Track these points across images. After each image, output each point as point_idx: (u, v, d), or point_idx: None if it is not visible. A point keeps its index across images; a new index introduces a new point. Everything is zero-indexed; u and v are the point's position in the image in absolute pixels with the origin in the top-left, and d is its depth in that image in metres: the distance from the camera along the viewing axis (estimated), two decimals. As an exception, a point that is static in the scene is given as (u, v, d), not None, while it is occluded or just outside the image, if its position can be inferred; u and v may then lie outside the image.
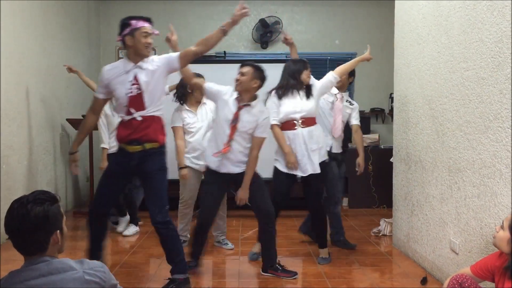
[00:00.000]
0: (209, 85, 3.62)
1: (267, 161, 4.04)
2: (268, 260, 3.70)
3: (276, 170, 3.95)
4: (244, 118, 3.48)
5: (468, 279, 2.49)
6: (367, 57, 4.20)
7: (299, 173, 3.87)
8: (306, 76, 3.91)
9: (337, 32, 7.77)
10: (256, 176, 3.61)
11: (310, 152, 3.84)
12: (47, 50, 5.62)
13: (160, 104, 3.29)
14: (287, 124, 3.89)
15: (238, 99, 3.51)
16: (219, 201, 3.69)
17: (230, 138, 3.47)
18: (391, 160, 4.70)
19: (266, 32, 7.56)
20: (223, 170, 3.55)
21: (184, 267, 3.38)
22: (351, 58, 7.70)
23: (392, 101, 6.34)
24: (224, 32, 3.21)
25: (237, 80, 3.49)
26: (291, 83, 3.86)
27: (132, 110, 3.19)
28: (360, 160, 4.45)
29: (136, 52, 3.21)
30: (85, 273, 1.71)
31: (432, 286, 3.51)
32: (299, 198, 4.22)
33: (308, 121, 3.88)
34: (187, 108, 4.38)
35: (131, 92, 3.17)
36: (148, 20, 3.24)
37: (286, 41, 4.28)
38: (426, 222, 3.81)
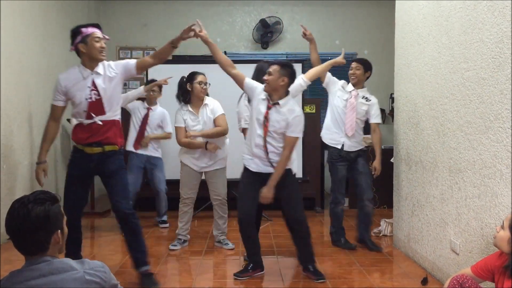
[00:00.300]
0: (248, 80, 3.62)
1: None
2: (301, 262, 3.73)
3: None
4: (273, 117, 3.45)
5: (469, 280, 2.49)
6: (340, 61, 4.17)
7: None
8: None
9: (338, 32, 7.78)
10: (291, 182, 3.57)
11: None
12: (47, 50, 5.62)
13: (118, 109, 3.45)
14: None
15: (267, 99, 3.49)
16: (257, 197, 3.58)
17: (265, 139, 3.47)
18: (391, 160, 4.69)
19: (266, 32, 7.56)
20: (256, 169, 3.54)
21: (146, 257, 3.49)
22: (352, 59, 7.74)
23: (392, 101, 6.35)
24: (173, 47, 3.47)
25: (265, 80, 3.47)
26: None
27: (93, 115, 3.30)
28: (376, 163, 4.38)
29: (91, 58, 3.32)
30: (86, 273, 1.70)
31: (433, 286, 3.51)
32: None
33: None
34: (190, 109, 4.34)
35: (91, 97, 3.30)
36: (97, 26, 3.36)
37: (305, 37, 4.30)
38: (427, 222, 3.81)
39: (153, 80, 5.14)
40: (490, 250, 2.83)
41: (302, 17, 7.78)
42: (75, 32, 3.29)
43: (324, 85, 4.51)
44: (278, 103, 3.46)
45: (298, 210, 3.58)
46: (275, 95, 3.48)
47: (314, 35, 7.61)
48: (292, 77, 3.49)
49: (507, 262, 2.38)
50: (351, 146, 4.39)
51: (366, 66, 4.43)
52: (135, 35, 7.65)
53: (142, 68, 3.51)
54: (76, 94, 3.30)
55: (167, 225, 5.31)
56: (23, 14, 5.02)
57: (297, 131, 3.48)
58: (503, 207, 2.75)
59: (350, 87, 4.44)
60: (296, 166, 3.91)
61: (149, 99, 5.11)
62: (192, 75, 4.33)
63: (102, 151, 3.36)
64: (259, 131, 3.48)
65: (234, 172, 5.51)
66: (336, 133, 4.40)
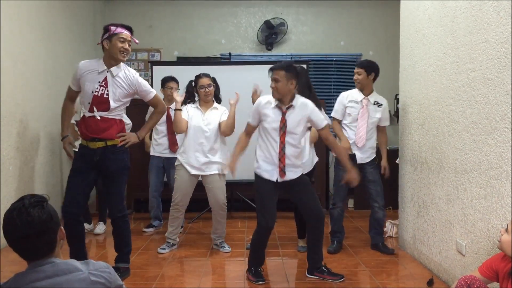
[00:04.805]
0: (250, 121, 3.62)
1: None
2: (314, 262, 3.69)
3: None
4: (290, 119, 3.45)
5: (477, 281, 2.48)
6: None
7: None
8: None
9: (342, 33, 7.77)
10: (305, 182, 3.56)
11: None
12: (53, 52, 5.65)
13: (122, 111, 3.59)
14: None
15: (279, 106, 3.47)
16: (275, 207, 3.60)
17: (282, 145, 3.45)
18: (396, 161, 4.68)
19: (271, 33, 7.57)
20: (279, 180, 3.50)
21: (128, 258, 3.76)
22: (356, 60, 7.79)
23: (397, 102, 6.33)
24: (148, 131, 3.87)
25: (273, 88, 3.44)
26: None
27: (95, 108, 3.41)
28: (383, 162, 4.35)
29: (110, 56, 3.43)
30: (91, 274, 1.71)
31: (439, 287, 3.50)
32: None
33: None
34: (198, 106, 4.30)
35: (97, 92, 3.40)
36: (128, 28, 3.47)
37: None
38: (433, 223, 3.79)
39: (171, 78, 5.10)
40: (496, 251, 2.81)
41: (306, 18, 7.78)
42: (105, 29, 3.44)
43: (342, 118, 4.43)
44: (291, 106, 3.46)
45: (318, 207, 3.58)
46: (285, 99, 3.46)
47: (319, 36, 7.76)
48: (298, 76, 3.47)
49: (510, 268, 2.38)
50: (363, 158, 4.30)
51: (368, 68, 4.28)
52: (140, 36, 7.60)
53: (151, 105, 3.77)
54: (86, 83, 3.43)
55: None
56: (29, 16, 5.04)
57: (322, 119, 3.51)
58: (509, 208, 2.73)
59: (360, 95, 4.33)
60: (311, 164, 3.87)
61: (166, 98, 5.01)
62: (196, 80, 4.30)
63: (104, 146, 3.47)
64: (277, 138, 3.46)
65: (230, 174, 5.48)
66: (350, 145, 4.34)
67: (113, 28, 3.39)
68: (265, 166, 3.53)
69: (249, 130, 3.66)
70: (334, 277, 3.61)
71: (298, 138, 3.49)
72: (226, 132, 4.25)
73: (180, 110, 4.19)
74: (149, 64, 6.20)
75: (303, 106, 3.48)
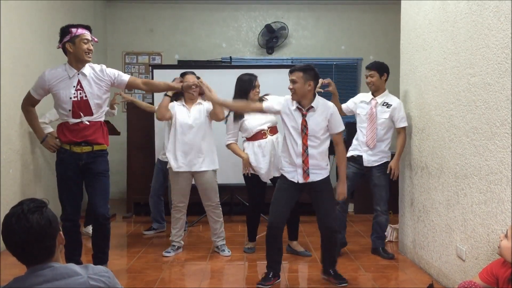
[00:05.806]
0: (267, 104, 3.61)
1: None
2: (326, 265, 3.70)
3: (245, 176, 4.35)
4: (311, 121, 3.45)
5: (477, 286, 2.48)
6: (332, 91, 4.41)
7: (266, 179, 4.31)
8: (253, 94, 4.17)
9: (343, 37, 7.78)
10: (328, 190, 3.55)
11: (278, 157, 4.04)
12: (54, 54, 5.63)
13: (103, 111, 3.54)
14: (258, 135, 4.26)
15: (299, 108, 3.47)
16: (290, 206, 3.59)
17: (305, 147, 3.45)
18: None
19: (272, 37, 7.58)
20: (302, 180, 3.49)
21: (107, 257, 3.65)
22: (357, 64, 7.78)
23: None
24: (168, 89, 3.93)
25: (291, 89, 3.45)
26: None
27: (81, 114, 3.38)
28: (392, 163, 4.23)
29: (77, 59, 3.39)
30: (90, 278, 1.70)
31: (439, 293, 3.49)
32: (306, 204, 4.21)
33: (274, 130, 4.35)
34: (184, 104, 4.28)
35: (76, 97, 3.37)
36: (87, 28, 3.42)
37: (328, 89, 4.37)
38: (433, 228, 3.79)
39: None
40: (496, 256, 2.81)
41: (307, 22, 7.79)
42: (65, 31, 3.37)
43: (349, 114, 4.54)
44: (312, 107, 3.46)
45: (330, 218, 3.56)
46: (304, 101, 3.46)
47: (320, 40, 7.77)
48: (316, 78, 3.47)
49: (510, 274, 2.38)
50: (370, 161, 4.26)
51: (381, 70, 4.30)
52: (141, 40, 7.69)
53: (131, 88, 3.70)
54: (60, 92, 3.38)
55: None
56: (29, 18, 5.05)
57: (340, 123, 3.53)
58: (510, 214, 2.73)
59: (369, 96, 4.36)
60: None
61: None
62: (182, 77, 4.23)
63: (91, 150, 3.44)
64: (299, 140, 3.46)
65: (230, 177, 5.45)
66: (357, 147, 4.34)
67: (73, 30, 3.33)
68: (287, 167, 3.55)
69: (257, 106, 3.69)
70: (338, 280, 3.61)
71: (320, 140, 3.48)
72: (214, 117, 4.23)
73: (170, 96, 4.19)
74: (150, 67, 6.21)
75: (324, 107, 3.49)
